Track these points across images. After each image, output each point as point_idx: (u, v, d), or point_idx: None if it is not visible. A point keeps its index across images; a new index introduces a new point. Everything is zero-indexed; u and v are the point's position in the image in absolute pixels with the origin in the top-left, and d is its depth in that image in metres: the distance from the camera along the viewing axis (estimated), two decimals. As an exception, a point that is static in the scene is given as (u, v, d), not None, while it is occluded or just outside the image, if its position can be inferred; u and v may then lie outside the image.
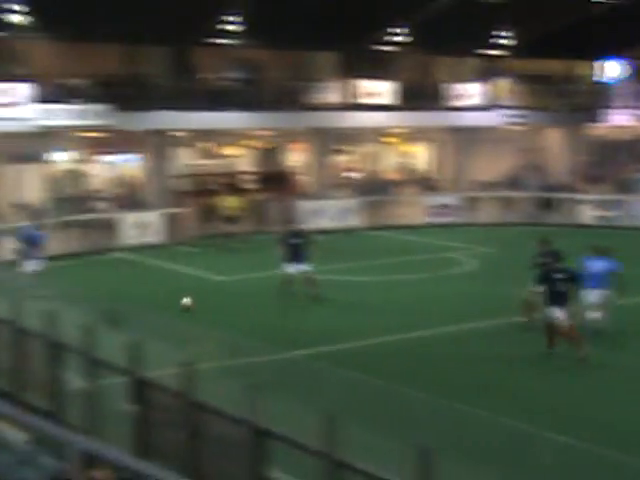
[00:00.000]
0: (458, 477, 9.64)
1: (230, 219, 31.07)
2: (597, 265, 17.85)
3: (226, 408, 10.02)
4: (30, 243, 22.87)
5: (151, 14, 29.40)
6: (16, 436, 10.23)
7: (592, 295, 17.45)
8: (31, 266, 22.33)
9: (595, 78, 40.79)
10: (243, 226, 31.96)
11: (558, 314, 16.14)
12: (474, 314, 19.78)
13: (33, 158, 30.68)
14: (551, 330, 16.26)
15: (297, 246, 21.64)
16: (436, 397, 10.38)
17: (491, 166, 37.08)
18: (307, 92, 34.46)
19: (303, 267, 21.56)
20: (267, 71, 34.80)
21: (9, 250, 26.76)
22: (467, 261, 26.82)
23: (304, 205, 33.41)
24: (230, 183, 33.76)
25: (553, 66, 39.72)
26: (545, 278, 16.62)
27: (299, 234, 22.28)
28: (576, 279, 16.59)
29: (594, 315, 17.62)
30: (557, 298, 16.22)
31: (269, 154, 36.50)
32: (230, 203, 31.39)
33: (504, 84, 38.02)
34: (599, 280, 17.49)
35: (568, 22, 35.14)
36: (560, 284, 16.31)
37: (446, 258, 27.40)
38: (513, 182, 37.68)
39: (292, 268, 21.60)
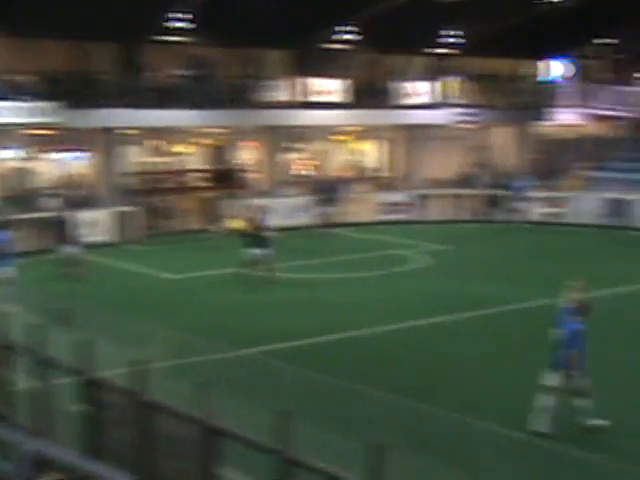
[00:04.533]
0: (411, 474, 9.67)
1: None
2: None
3: (178, 407, 9.97)
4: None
5: (99, 10, 29.15)
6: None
7: None
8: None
9: (542, 77, 41.30)
10: (193, 224, 31.86)
11: None
12: (427, 310, 19.81)
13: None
14: None
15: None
16: (390, 394, 10.42)
17: (442, 164, 37.28)
18: (258, 90, 34.37)
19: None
20: (218, 69, 34.66)
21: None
22: (419, 258, 26.87)
23: (255, 203, 33.23)
24: (180, 181, 33.59)
25: (501, 65, 40.05)
26: None
27: None
28: None
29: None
30: None
31: (220, 152, 36.35)
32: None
33: (454, 82, 38.28)
34: None
35: (516, 22, 35.42)
36: None
37: (398, 255, 27.44)
38: (463, 180, 37.91)
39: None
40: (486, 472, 9.23)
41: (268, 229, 23.50)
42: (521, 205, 34.54)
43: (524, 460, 9.97)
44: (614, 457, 10.59)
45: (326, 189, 32.67)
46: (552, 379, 12.09)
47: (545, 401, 12.08)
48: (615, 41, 41.27)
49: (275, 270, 23.02)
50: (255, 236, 22.97)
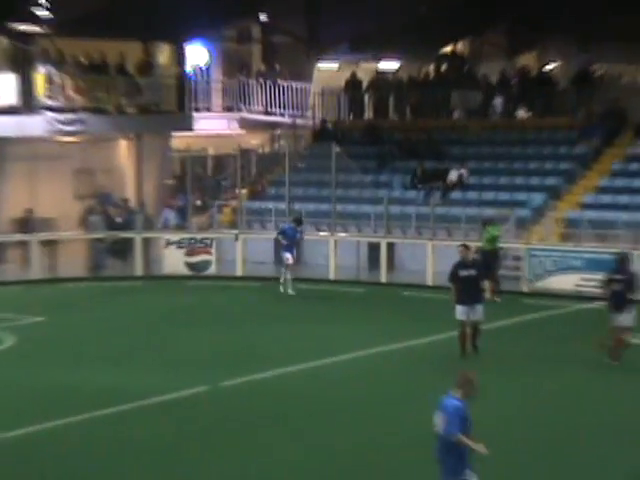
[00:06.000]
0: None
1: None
2: None
3: None
4: None
5: None
6: None
7: None
8: None
9: (175, 68, 35.05)
10: None
11: None
12: (25, 415, 15.70)
13: None
14: None
15: None
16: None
17: (35, 196, 30.16)
18: None
19: None
20: None
21: None
22: (5, 336, 21.78)
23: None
24: None
25: (118, 50, 33.22)
26: None
27: None
28: None
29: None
30: None
31: None
32: None
33: (48, 75, 31.34)
34: None
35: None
36: None
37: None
38: (76, 218, 30.92)
39: None
40: None
41: None
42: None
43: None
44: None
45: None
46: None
47: None
48: (266, 20, 35.74)
49: None
50: None
